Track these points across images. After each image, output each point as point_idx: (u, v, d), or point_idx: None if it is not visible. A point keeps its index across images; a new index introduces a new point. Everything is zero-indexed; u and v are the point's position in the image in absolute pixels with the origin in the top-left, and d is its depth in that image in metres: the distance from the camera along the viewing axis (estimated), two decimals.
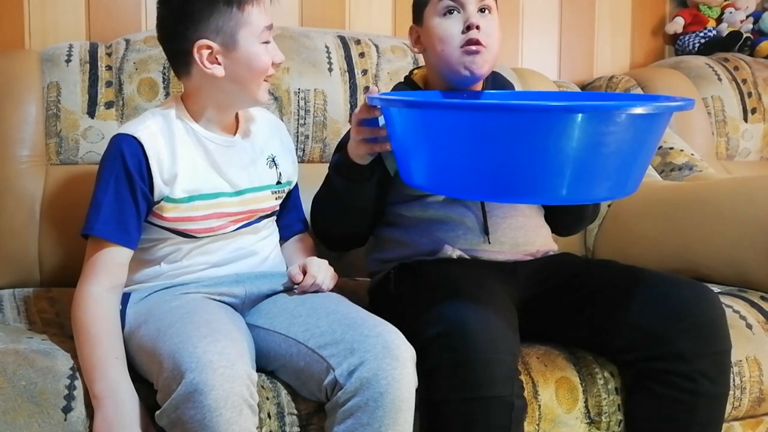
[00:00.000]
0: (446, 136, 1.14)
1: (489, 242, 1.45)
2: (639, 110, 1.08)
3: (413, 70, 1.57)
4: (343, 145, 1.44)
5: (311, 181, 1.58)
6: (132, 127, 1.33)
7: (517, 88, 1.98)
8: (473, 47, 1.38)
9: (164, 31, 1.35)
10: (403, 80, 1.57)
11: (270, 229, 1.47)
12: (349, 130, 1.41)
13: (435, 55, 1.42)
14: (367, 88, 1.96)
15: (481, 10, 1.40)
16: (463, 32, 1.38)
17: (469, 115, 1.11)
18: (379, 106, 1.25)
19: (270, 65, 1.34)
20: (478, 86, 1.49)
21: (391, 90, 1.55)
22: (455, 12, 1.39)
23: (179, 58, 1.34)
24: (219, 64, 1.31)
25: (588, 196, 1.18)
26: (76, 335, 1.23)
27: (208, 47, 1.30)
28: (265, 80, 1.36)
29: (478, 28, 1.37)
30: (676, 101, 1.27)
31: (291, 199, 1.53)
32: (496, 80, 1.54)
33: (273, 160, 1.45)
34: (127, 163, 1.29)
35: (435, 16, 1.41)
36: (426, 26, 1.43)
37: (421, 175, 1.22)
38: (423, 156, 1.20)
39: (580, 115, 1.06)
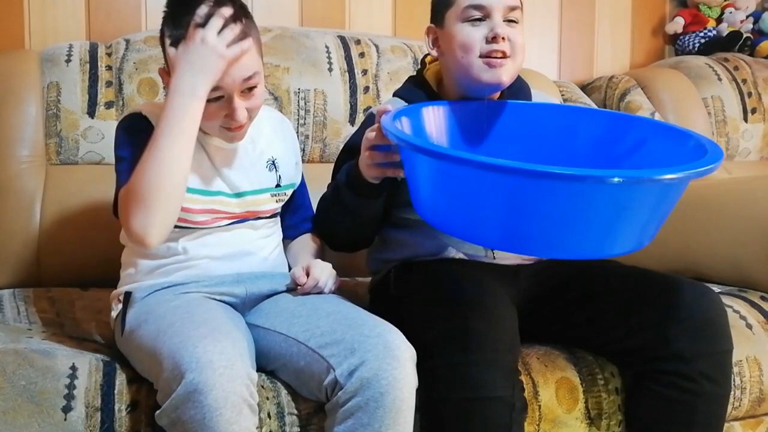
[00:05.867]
0: (459, 185, 1.10)
1: (494, 257, 1.44)
2: (669, 177, 1.03)
3: (425, 58, 1.52)
4: (350, 150, 1.42)
5: (311, 181, 1.58)
6: (136, 108, 1.35)
7: None
8: (496, 60, 1.33)
9: None
10: (415, 75, 1.52)
11: (271, 229, 1.46)
12: (356, 131, 1.40)
13: (454, 61, 1.37)
14: (367, 89, 1.96)
15: (508, 20, 1.35)
16: (487, 41, 1.33)
17: (485, 173, 1.05)
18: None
19: (217, 119, 1.29)
20: (496, 94, 1.44)
21: (402, 87, 1.51)
22: (480, 19, 1.34)
23: None
24: None
25: (607, 252, 1.12)
26: (139, 188, 1.20)
27: (168, 74, 1.29)
28: (228, 129, 1.31)
29: (504, 39, 1.33)
30: (705, 151, 1.18)
31: (297, 198, 1.52)
32: (512, 85, 1.46)
33: (273, 163, 1.45)
34: (142, 128, 1.28)
35: (458, 21, 1.35)
36: (447, 30, 1.38)
37: (430, 212, 1.18)
38: (433, 197, 1.16)
39: (607, 184, 1.01)
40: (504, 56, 1.34)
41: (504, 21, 1.35)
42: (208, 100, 1.25)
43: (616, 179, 1.00)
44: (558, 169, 1.00)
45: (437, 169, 1.13)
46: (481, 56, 1.34)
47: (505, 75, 1.35)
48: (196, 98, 1.22)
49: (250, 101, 1.30)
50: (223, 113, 1.29)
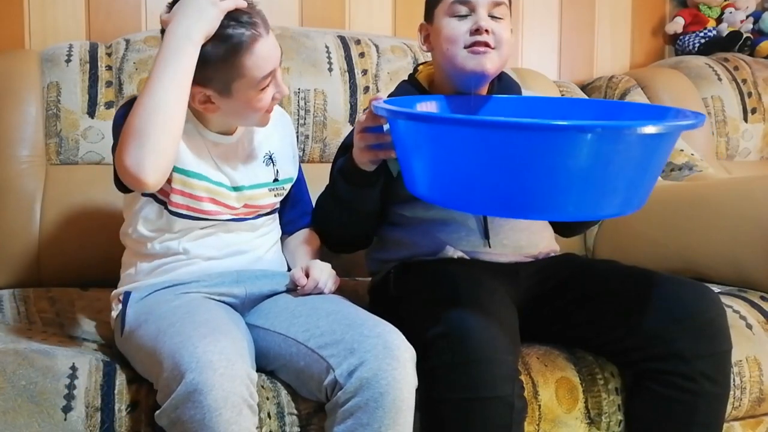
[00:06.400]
0: (450, 150, 1.12)
1: (489, 246, 1.45)
2: (649, 129, 1.06)
3: (418, 66, 1.56)
4: (346, 148, 1.43)
5: (311, 181, 1.58)
6: (135, 95, 1.35)
7: None
8: (479, 48, 1.37)
9: None
10: (407, 78, 1.55)
11: (269, 227, 1.47)
12: (351, 131, 1.41)
13: (441, 53, 1.41)
14: (367, 89, 1.96)
15: (493, 16, 1.39)
16: (471, 34, 1.37)
17: (474, 132, 1.08)
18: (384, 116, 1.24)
19: (268, 104, 1.33)
20: (484, 90, 1.47)
21: (395, 89, 1.54)
22: (466, 14, 1.39)
23: None
24: (213, 103, 1.30)
25: (595, 213, 1.15)
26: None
27: (200, 91, 1.28)
28: (268, 111, 1.35)
29: (487, 32, 1.36)
30: (686, 117, 1.23)
31: (295, 193, 1.52)
32: (502, 81, 1.52)
33: (270, 158, 1.45)
34: None
35: (445, 16, 1.40)
36: (436, 25, 1.42)
37: (424, 185, 1.20)
38: (426, 167, 1.18)
39: (589, 134, 1.04)
40: (487, 46, 1.37)
41: (489, 17, 1.38)
42: (264, 88, 1.29)
43: (598, 130, 1.03)
44: (541, 122, 1.03)
45: (426, 135, 1.15)
46: (465, 47, 1.38)
47: (489, 63, 1.38)
48: (191, 41, 1.22)
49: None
50: (272, 93, 1.32)
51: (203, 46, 1.23)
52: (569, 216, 1.13)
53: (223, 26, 1.24)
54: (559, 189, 1.08)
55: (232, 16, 1.25)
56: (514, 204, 1.11)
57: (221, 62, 1.25)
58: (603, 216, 1.16)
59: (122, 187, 1.28)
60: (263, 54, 1.27)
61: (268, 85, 1.30)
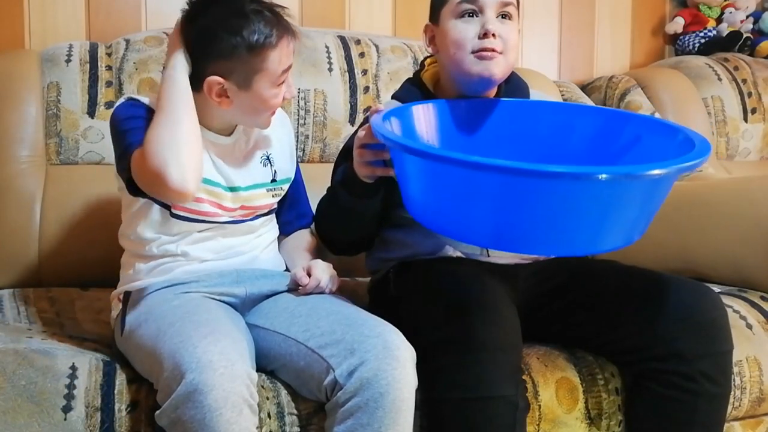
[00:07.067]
0: (444, 185, 1.10)
1: (488, 255, 1.44)
2: (657, 172, 1.02)
3: (424, 60, 1.53)
4: (347, 151, 1.42)
5: (311, 181, 1.58)
6: (134, 96, 1.36)
7: None
8: (486, 53, 1.34)
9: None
10: (412, 77, 1.53)
11: (267, 227, 1.46)
12: (353, 134, 1.40)
13: (448, 57, 1.38)
14: (367, 89, 1.96)
15: (502, 15, 1.36)
16: (479, 38, 1.34)
17: (471, 173, 1.04)
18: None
19: (280, 102, 1.35)
20: (492, 92, 1.44)
21: (400, 89, 1.51)
22: (473, 15, 1.35)
23: (190, 77, 1.31)
24: (228, 97, 1.31)
25: (593, 248, 1.12)
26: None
27: (219, 83, 1.29)
28: (273, 113, 1.37)
29: (494, 36, 1.33)
30: (693, 146, 1.16)
31: (292, 194, 1.52)
32: (509, 83, 1.48)
33: (267, 158, 1.45)
34: (137, 103, 1.33)
35: (452, 18, 1.37)
36: (442, 27, 1.39)
37: (420, 212, 1.18)
38: (422, 196, 1.16)
39: (592, 182, 1.00)
40: (494, 51, 1.34)
41: (498, 16, 1.36)
42: (280, 84, 1.32)
43: (602, 176, 0.99)
44: (536, 167, 0.99)
45: (422, 166, 1.13)
46: (472, 52, 1.35)
47: (497, 68, 1.36)
48: (174, 68, 1.28)
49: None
50: (283, 93, 1.34)
51: (231, 39, 1.26)
52: (569, 252, 1.12)
53: (253, 21, 1.27)
54: (557, 228, 1.06)
55: (262, 15, 1.28)
56: (511, 241, 1.09)
57: (247, 54, 1.27)
58: (602, 251, 1.13)
59: (136, 191, 1.29)
60: (286, 49, 1.30)
61: (283, 82, 1.32)
